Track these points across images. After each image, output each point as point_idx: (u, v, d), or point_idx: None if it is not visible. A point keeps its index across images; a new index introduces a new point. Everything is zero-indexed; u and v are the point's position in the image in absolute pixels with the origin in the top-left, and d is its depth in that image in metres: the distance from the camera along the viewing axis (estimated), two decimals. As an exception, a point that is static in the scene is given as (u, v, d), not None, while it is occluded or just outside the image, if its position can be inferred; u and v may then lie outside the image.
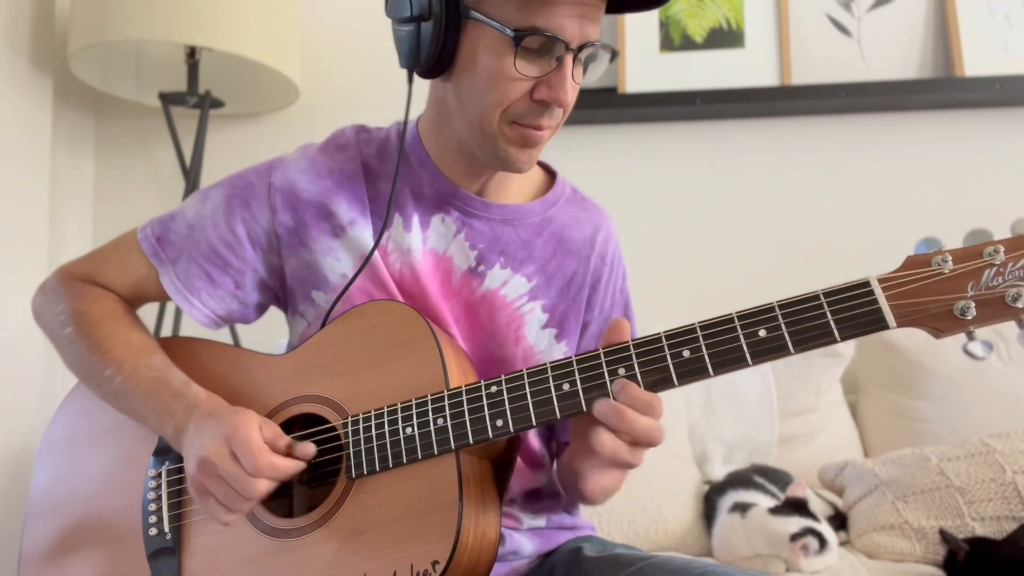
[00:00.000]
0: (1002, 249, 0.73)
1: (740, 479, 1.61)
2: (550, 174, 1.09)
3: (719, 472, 1.74)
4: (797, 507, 1.43)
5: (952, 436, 1.71)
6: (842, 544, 1.54)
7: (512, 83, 0.86)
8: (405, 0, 0.88)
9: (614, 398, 0.79)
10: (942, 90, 2.04)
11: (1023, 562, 1.33)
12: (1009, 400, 1.73)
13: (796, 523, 1.39)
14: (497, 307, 1.00)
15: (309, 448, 0.86)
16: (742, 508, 1.49)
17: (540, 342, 1.02)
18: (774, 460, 1.78)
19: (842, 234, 2.09)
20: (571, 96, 0.88)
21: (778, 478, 1.61)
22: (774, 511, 1.43)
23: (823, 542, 1.38)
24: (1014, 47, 2.04)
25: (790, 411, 1.84)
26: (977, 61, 2.03)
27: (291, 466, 0.84)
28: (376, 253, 0.97)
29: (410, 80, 0.93)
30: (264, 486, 0.83)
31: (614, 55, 0.90)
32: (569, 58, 0.85)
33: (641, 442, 0.79)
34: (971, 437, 1.61)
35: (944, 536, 1.42)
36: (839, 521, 1.59)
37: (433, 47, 0.87)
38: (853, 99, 2.05)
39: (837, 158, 2.12)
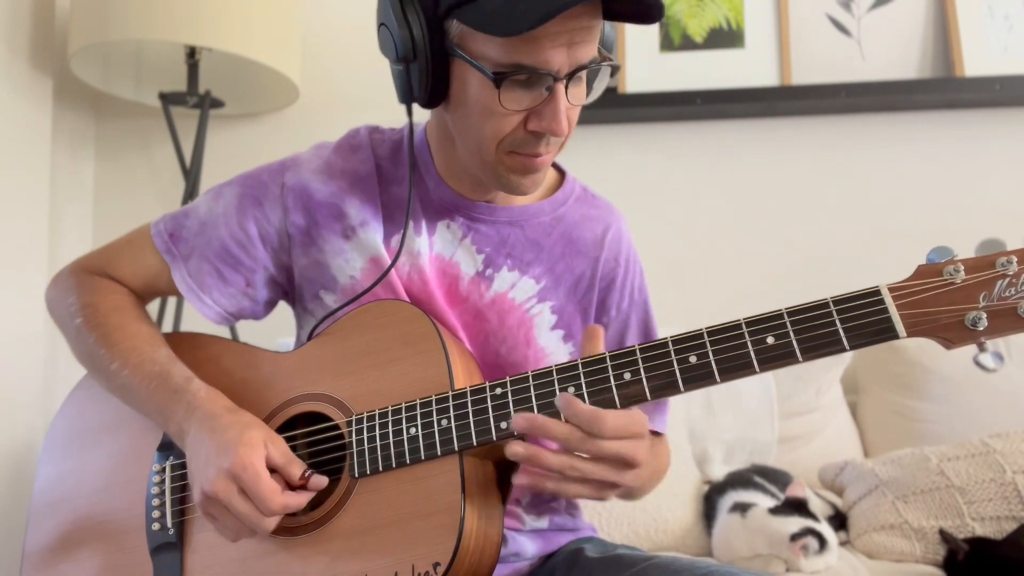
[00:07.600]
0: (1015, 260, 0.72)
1: (740, 479, 1.61)
2: (560, 172, 1.09)
3: (719, 472, 1.73)
4: (797, 507, 1.43)
5: (952, 436, 1.71)
6: (842, 544, 1.54)
7: (504, 117, 0.85)
8: (391, 42, 0.88)
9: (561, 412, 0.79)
10: (942, 90, 2.04)
11: (1023, 562, 1.33)
12: (1009, 400, 1.73)
13: (796, 523, 1.39)
14: (506, 310, 1.00)
15: (322, 480, 0.87)
16: (742, 508, 1.49)
17: (550, 344, 1.02)
18: (774, 460, 1.78)
19: (842, 234, 2.09)
20: (565, 123, 0.85)
21: (778, 478, 1.61)
22: (774, 511, 1.43)
23: (823, 542, 1.38)
24: (1014, 47, 2.04)
25: (790, 411, 1.84)
26: (977, 61, 2.03)
27: (303, 500, 0.85)
28: (387, 256, 0.98)
29: (409, 113, 0.94)
30: (275, 523, 0.84)
31: (614, 70, 0.89)
32: (560, 86, 0.83)
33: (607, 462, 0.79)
34: (971, 437, 1.61)
35: (944, 536, 1.42)
36: (839, 521, 1.59)
37: (423, 86, 0.87)
38: (853, 99, 2.05)
39: (837, 158, 2.11)
